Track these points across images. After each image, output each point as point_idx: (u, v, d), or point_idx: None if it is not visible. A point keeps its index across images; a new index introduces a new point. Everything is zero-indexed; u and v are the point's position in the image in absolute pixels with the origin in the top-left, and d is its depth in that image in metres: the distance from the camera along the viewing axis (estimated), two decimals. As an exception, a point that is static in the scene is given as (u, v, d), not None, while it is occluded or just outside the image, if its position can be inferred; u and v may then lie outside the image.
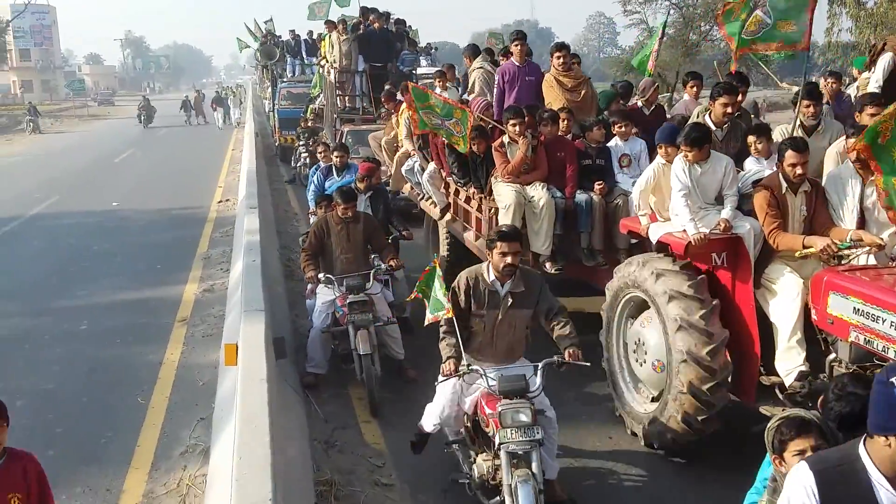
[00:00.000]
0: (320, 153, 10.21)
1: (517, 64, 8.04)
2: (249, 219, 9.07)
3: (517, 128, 6.63)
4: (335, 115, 15.07)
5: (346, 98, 15.24)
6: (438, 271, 4.63)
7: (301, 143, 16.89)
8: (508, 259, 4.41)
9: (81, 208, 15.25)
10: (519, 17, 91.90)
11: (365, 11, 15.65)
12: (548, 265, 6.61)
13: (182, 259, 10.96)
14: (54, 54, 77.03)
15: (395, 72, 14.77)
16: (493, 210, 6.80)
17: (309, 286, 6.94)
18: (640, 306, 5.59)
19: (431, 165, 8.39)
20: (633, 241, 6.17)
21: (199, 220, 13.81)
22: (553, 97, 7.57)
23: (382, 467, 5.22)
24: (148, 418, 6.00)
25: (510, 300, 4.54)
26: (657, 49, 9.40)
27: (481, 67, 8.98)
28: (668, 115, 7.56)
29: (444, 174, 8.15)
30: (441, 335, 4.55)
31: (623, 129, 6.81)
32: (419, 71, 15.25)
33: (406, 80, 14.34)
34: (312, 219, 9.12)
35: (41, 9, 69.52)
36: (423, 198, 9.03)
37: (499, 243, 4.43)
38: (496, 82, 8.22)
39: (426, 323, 4.73)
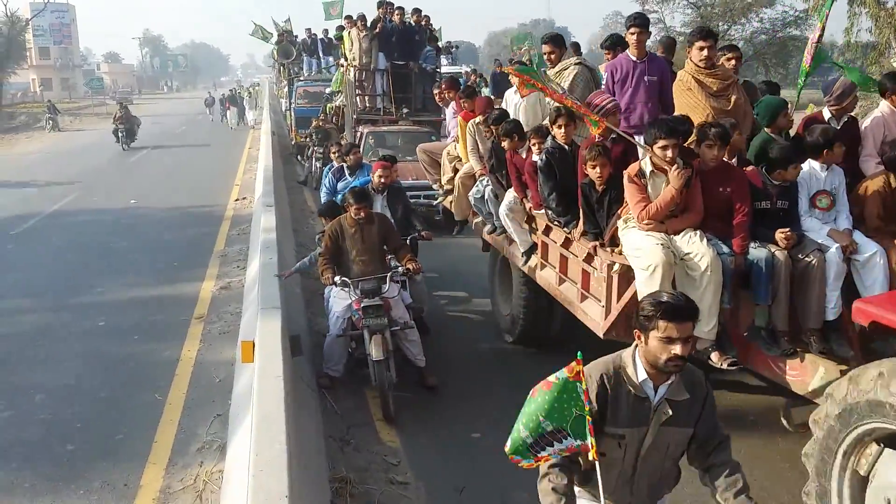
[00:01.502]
0: (333, 153, 10.22)
1: (633, 58, 6.00)
2: (266, 217, 9.09)
3: (668, 152, 4.55)
4: (354, 116, 14.56)
5: (366, 98, 14.77)
6: (583, 383, 2.73)
7: (314, 143, 16.51)
8: (677, 349, 2.69)
9: (100, 206, 15.40)
10: (535, 17, 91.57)
11: (381, 4, 15.00)
12: (714, 356, 4.62)
13: (199, 256, 11.02)
14: (73, 53, 77.69)
15: (418, 70, 14.27)
16: (618, 267, 4.90)
17: (327, 289, 6.75)
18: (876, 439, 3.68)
19: (510, 194, 6.57)
20: (829, 318, 4.46)
21: (216, 218, 13.90)
22: (690, 104, 5.31)
23: (398, 465, 5.23)
24: (165, 414, 6.03)
25: (667, 412, 2.82)
26: (816, 40, 7.14)
27: (580, 63, 6.63)
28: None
29: (528, 205, 6.37)
30: (547, 471, 2.83)
31: (831, 154, 4.77)
32: (442, 70, 14.95)
33: (433, 80, 14.12)
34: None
35: (60, 7, 70.11)
36: (495, 232, 7.17)
37: (662, 323, 2.69)
38: (604, 81, 6.21)
39: (530, 466, 2.88)
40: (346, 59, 15.45)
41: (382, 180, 7.37)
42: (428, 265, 8.91)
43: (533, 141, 6.10)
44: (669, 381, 2.82)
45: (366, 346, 6.03)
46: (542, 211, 6.09)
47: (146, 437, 5.66)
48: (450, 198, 8.41)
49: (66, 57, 75.05)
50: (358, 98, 14.74)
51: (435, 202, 9.65)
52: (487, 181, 7.07)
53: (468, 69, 25.13)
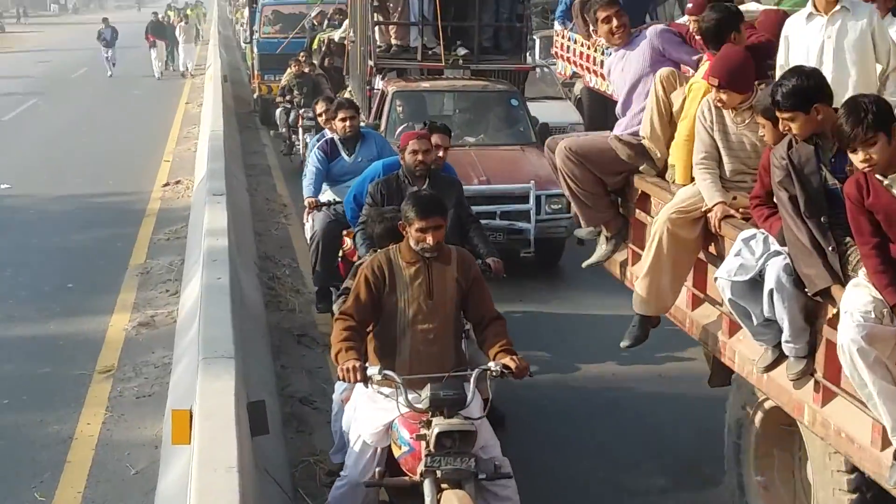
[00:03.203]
0: (320, 115, 10.14)
1: None
2: (213, 212, 9.16)
3: None
4: (371, 62, 13.20)
5: (392, 30, 13.38)
6: None
7: (298, 102, 15.83)
8: None
9: (-47, 193, 15.60)
10: None
11: None
12: None
13: (107, 274, 11.12)
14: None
15: None
16: None
17: (339, 384, 6.12)
18: None
19: (862, 293, 4.29)
20: None
21: (133, 214, 14.03)
22: None
23: None
24: (50, 525, 6.06)
25: None
26: None
27: None
28: None
29: None
30: None
31: None
32: None
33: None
34: (316, 218, 8.79)
35: None
36: (778, 364, 4.94)
37: None
38: None
39: None
40: None
41: (419, 158, 6.88)
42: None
43: None
44: None
45: None
46: None
47: (20, 561, 5.69)
48: (620, 258, 6.68)
49: None
50: (377, 29, 13.26)
51: (585, 264, 7.16)
52: (767, 242, 4.99)
53: None
